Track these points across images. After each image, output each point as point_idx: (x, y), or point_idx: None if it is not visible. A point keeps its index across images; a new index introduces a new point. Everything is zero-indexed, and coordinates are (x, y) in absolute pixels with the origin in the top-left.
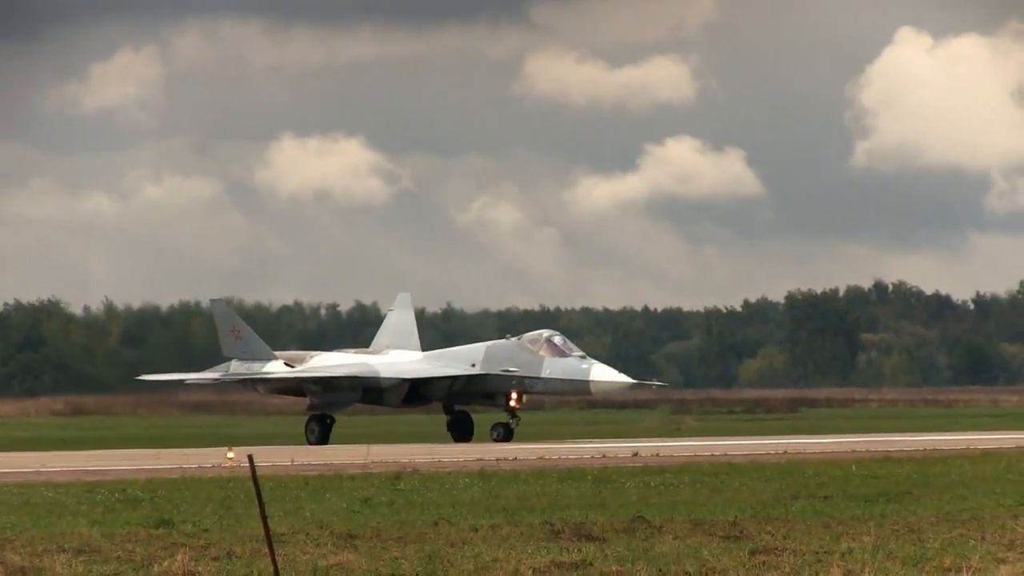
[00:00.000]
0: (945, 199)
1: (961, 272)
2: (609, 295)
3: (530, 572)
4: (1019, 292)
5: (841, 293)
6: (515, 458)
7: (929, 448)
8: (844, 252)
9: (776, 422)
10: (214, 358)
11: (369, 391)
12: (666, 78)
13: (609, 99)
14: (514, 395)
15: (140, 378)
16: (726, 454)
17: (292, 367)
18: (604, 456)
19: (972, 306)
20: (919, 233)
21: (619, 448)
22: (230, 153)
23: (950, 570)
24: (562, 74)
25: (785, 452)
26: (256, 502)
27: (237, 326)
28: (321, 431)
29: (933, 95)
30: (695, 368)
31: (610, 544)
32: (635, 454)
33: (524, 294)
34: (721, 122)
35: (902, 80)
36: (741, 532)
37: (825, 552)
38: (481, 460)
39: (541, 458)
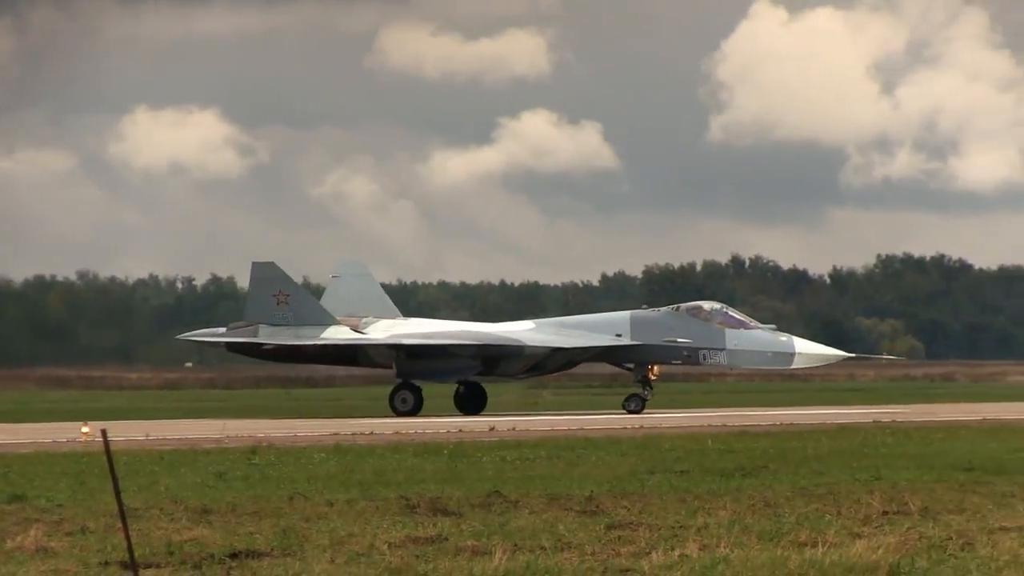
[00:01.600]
0: (801, 174)
1: (818, 246)
2: (466, 269)
3: (385, 547)
4: (875, 266)
5: (698, 267)
6: (371, 432)
7: (785, 423)
8: (701, 226)
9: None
10: (71, 333)
11: (491, 360)
12: (522, 51)
13: (464, 72)
14: (655, 368)
15: (182, 336)
16: (582, 428)
17: (363, 334)
18: (460, 431)
19: (829, 280)
20: (776, 208)
21: (476, 423)
22: (84, 126)
23: (806, 544)
24: (417, 47)
25: (641, 427)
26: (110, 477)
27: (285, 290)
28: (416, 400)
29: (789, 69)
30: None
31: (466, 519)
32: (492, 428)
33: (380, 267)
34: (577, 96)
35: (757, 54)
36: (597, 507)
37: (681, 527)
38: (337, 435)
39: (397, 432)
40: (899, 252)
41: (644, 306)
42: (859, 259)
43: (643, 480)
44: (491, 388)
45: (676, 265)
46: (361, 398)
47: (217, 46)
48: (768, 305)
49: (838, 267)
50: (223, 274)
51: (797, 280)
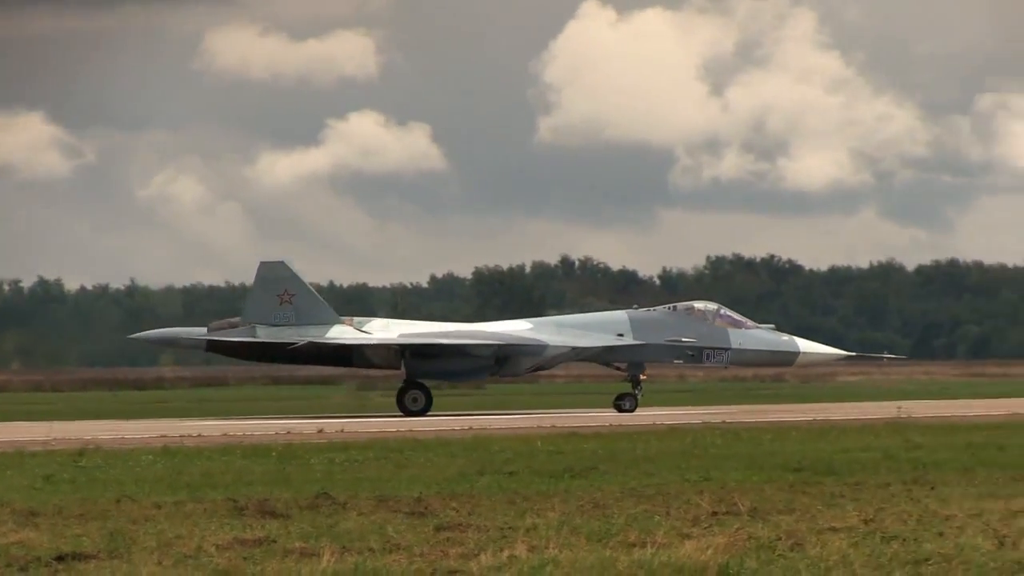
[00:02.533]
0: (630, 175)
1: (647, 248)
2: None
3: (213, 549)
4: (705, 268)
5: (528, 269)
6: (199, 435)
7: (615, 424)
8: (530, 228)
9: (463, 398)
10: None
11: (502, 360)
12: (350, 52)
13: (291, 74)
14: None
15: (209, 337)
16: (411, 430)
17: (369, 333)
18: (289, 433)
19: (658, 282)
20: (605, 209)
21: (305, 424)
22: None
23: (635, 545)
24: (244, 48)
25: (471, 428)
26: None
27: (291, 289)
28: (427, 400)
29: (618, 70)
30: None
31: (294, 521)
32: (320, 431)
33: (208, 269)
34: (405, 97)
35: (586, 55)
36: (426, 508)
37: (510, 528)
38: (166, 437)
39: (226, 434)
40: (729, 253)
41: (635, 306)
42: (689, 260)
43: (472, 481)
44: (319, 390)
45: (505, 267)
46: (188, 400)
47: (43, 47)
48: (598, 306)
49: (668, 268)
50: (50, 276)
51: (627, 281)
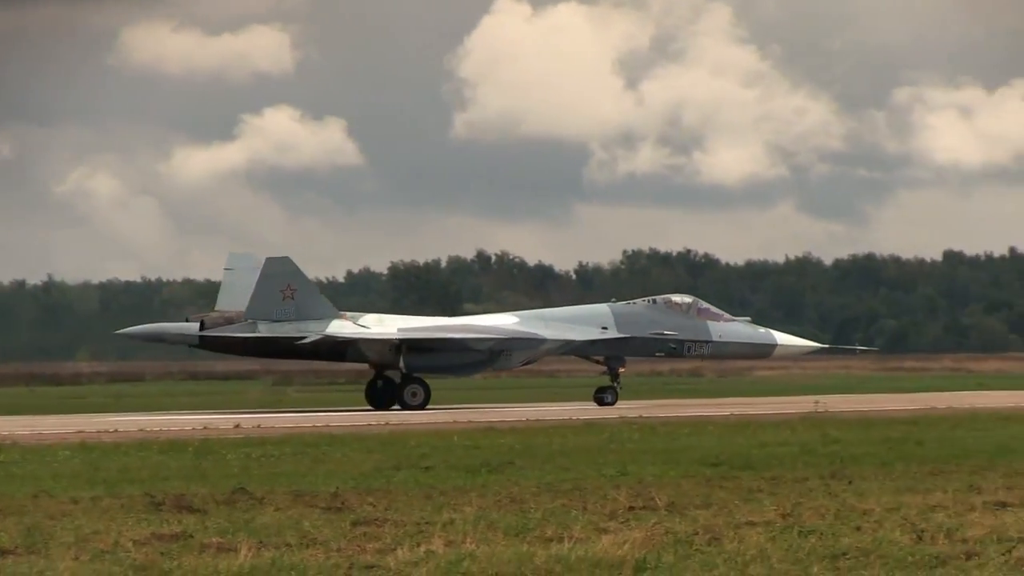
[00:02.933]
0: (546, 170)
1: (563, 243)
2: (210, 266)
3: (130, 544)
4: (621, 262)
5: (444, 264)
6: (116, 430)
7: (532, 419)
8: (446, 223)
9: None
10: None
11: (496, 354)
12: (265, 48)
13: (206, 69)
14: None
15: (257, 335)
16: (328, 425)
17: (366, 328)
18: (206, 428)
19: (575, 276)
20: (521, 204)
21: (221, 420)
22: None
23: (552, 540)
24: (158, 44)
25: (388, 423)
26: None
27: (293, 285)
28: (426, 394)
29: (533, 65)
30: None
31: (211, 516)
32: (237, 426)
33: (124, 265)
34: (321, 92)
35: (501, 50)
36: (343, 503)
37: (427, 523)
38: (83, 432)
39: (142, 430)
40: (645, 248)
41: (613, 300)
42: (605, 255)
43: (389, 477)
44: (235, 385)
45: (421, 261)
46: (105, 395)
47: None
48: (514, 301)
49: (584, 263)
50: None
51: (543, 276)
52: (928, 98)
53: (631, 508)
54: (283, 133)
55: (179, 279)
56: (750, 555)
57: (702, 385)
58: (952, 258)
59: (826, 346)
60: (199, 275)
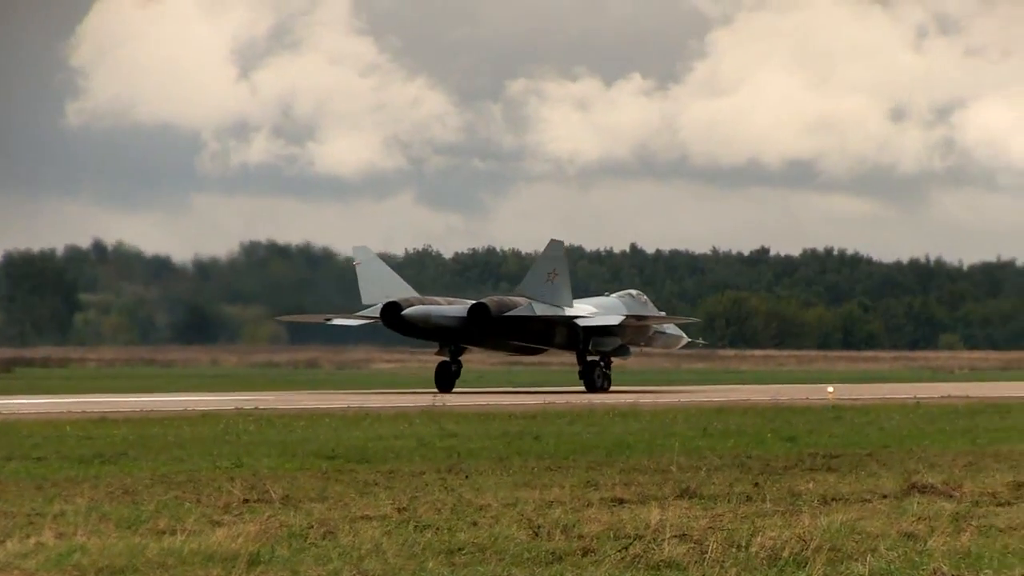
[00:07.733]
0: (161, 158)
1: (180, 232)
2: None
3: None
4: (239, 253)
5: (59, 253)
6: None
7: (147, 409)
8: (62, 212)
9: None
10: None
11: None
12: None
13: None
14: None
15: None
16: None
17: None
18: None
19: (192, 267)
20: (137, 193)
21: None
22: None
23: (165, 532)
24: None
25: None
26: None
27: (559, 270)
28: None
29: (146, 53)
30: None
31: None
32: None
33: None
34: None
35: (114, 38)
36: None
37: (37, 514)
38: None
39: None
40: (263, 239)
41: (606, 293)
42: (223, 246)
43: None
44: None
45: (36, 250)
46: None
47: None
48: (132, 291)
49: (200, 254)
50: None
51: (160, 267)
52: (543, 91)
53: (246, 501)
54: None
55: None
56: (365, 549)
57: (319, 376)
58: (572, 253)
59: (691, 340)
60: None
